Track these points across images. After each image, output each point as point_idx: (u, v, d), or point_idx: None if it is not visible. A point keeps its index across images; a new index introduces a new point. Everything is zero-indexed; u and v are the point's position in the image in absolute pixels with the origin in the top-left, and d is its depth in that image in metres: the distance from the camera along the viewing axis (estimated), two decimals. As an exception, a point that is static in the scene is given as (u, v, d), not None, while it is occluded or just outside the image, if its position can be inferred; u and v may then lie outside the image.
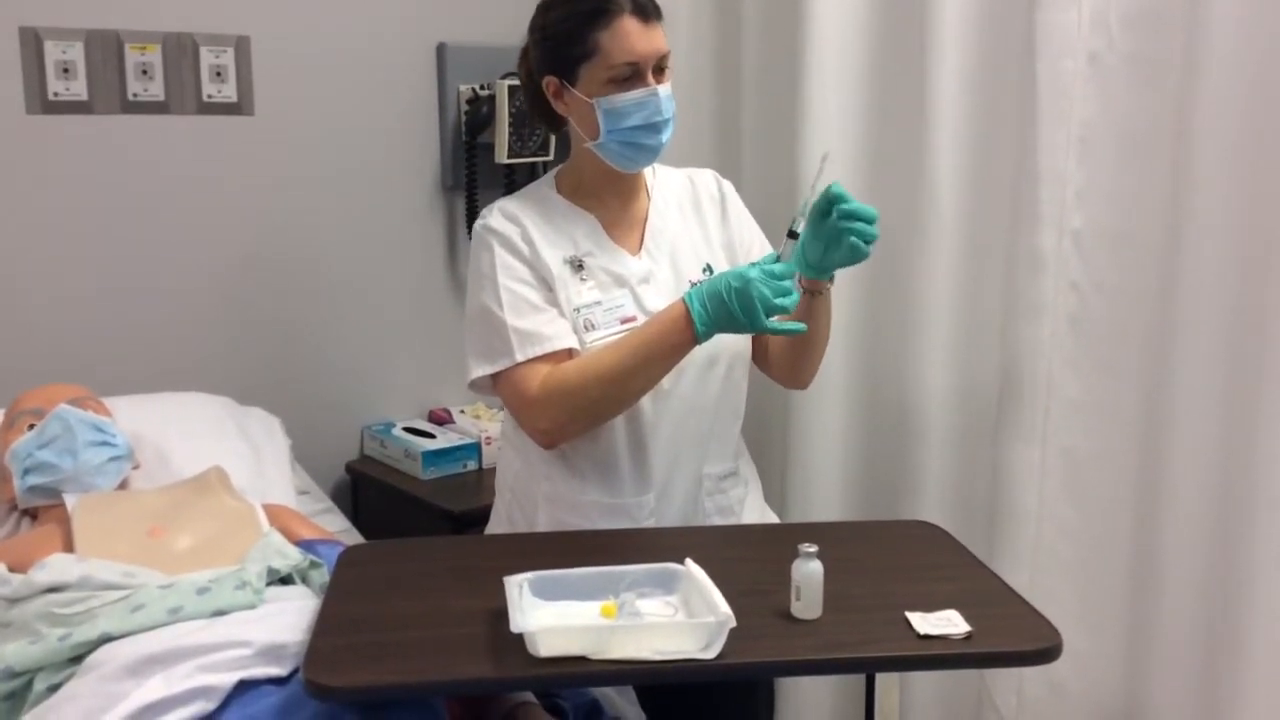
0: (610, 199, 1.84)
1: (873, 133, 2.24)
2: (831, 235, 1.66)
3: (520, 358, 1.73)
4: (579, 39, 1.70)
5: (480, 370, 1.77)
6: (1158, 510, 1.80)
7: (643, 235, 1.85)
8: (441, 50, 2.83)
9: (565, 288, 1.78)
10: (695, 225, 1.89)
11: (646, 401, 1.78)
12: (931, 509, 2.14)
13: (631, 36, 1.69)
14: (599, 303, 1.78)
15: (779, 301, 1.61)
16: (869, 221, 1.65)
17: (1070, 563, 1.97)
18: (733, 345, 1.83)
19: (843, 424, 2.33)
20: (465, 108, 2.83)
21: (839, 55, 2.23)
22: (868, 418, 2.32)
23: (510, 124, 2.78)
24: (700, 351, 1.75)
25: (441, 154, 2.88)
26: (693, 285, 1.77)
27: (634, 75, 1.71)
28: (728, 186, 1.95)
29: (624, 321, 1.77)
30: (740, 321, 1.63)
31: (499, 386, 1.77)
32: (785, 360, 1.88)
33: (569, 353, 1.75)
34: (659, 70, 1.73)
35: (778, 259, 1.65)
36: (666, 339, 1.68)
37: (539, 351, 1.73)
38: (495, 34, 2.87)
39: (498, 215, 1.81)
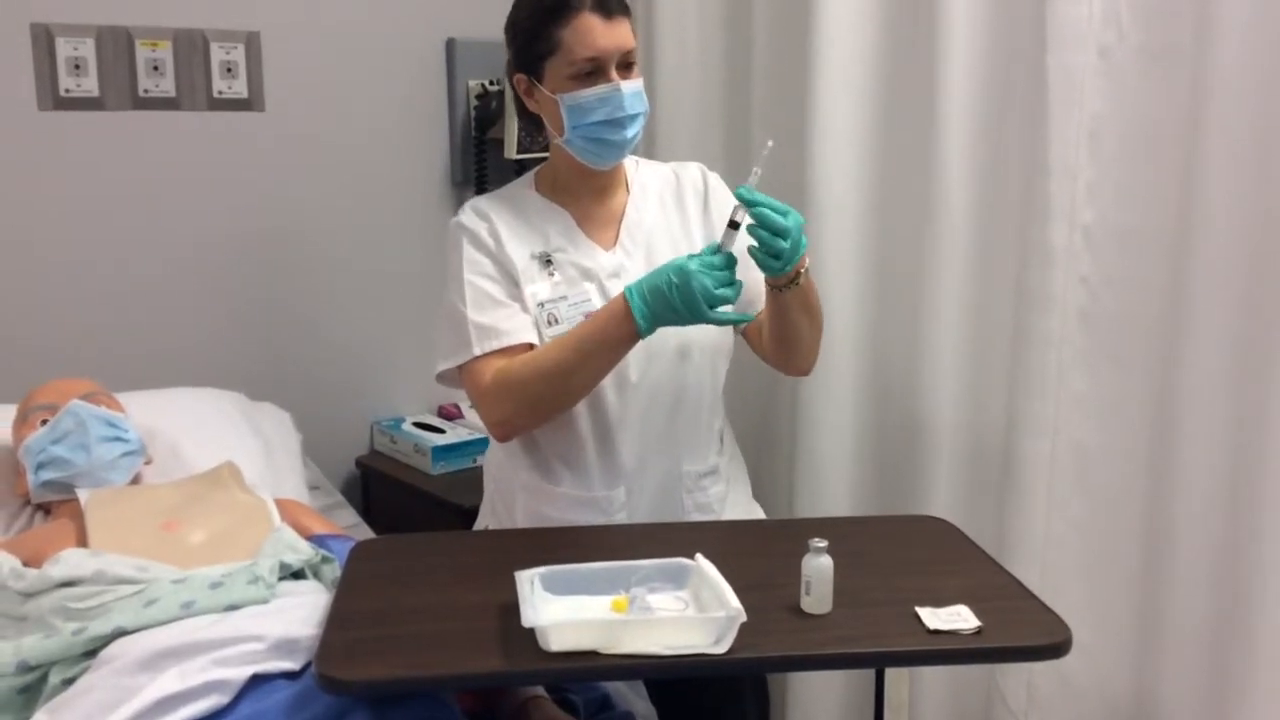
0: (586, 194, 1.85)
1: (883, 127, 2.24)
2: (752, 229, 1.62)
3: (478, 351, 1.75)
4: (542, 35, 1.72)
5: (443, 364, 1.81)
6: (1168, 504, 1.80)
7: (619, 230, 1.85)
8: (451, 46, 2.84)
9: (531, 282, 1.79)
10: (676, 218, 1.88)
11: (611, 393, 1.79)
12: (941, 503, 2.14)
13: (592, 32, 1.69)
14: (564, 297, 1.79)
15: (719, 292, 1.60)
16: (777, 232, 1.59)
17: (1080, 557, 1.97)
18: (707, 337, 1.82)
19: (852, 418, 2.32)
20: (474, 103, 2.84)
21: (849, 50, 2.22)
22: (877, 412, 2.31)
23: (519, 119, 2.78)
24: (670, 343, 1.77)
25: (451, 149, 2.89)
26: None
27: (596, 71, 1.71)
28: (714, 179, 1.93)
29: (588, 316, 1.75)
30: (681, 314, 1.62)
31: (462, 380, 1.80)
32: (773, 348, 1.85)
33: (528, 347, 1.75)
34: (625, 66, 1.73)
35: (719, 249, 1.63)
36: (608, 333, 1.68)
37: (496, 345, 1.75)
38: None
39: (469, 212, 1.84)
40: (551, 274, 1.80)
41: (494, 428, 1.79)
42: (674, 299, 1.61)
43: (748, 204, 1.60)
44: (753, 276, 1.68)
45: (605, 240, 1.85)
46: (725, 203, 1.89)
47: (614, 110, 1.72)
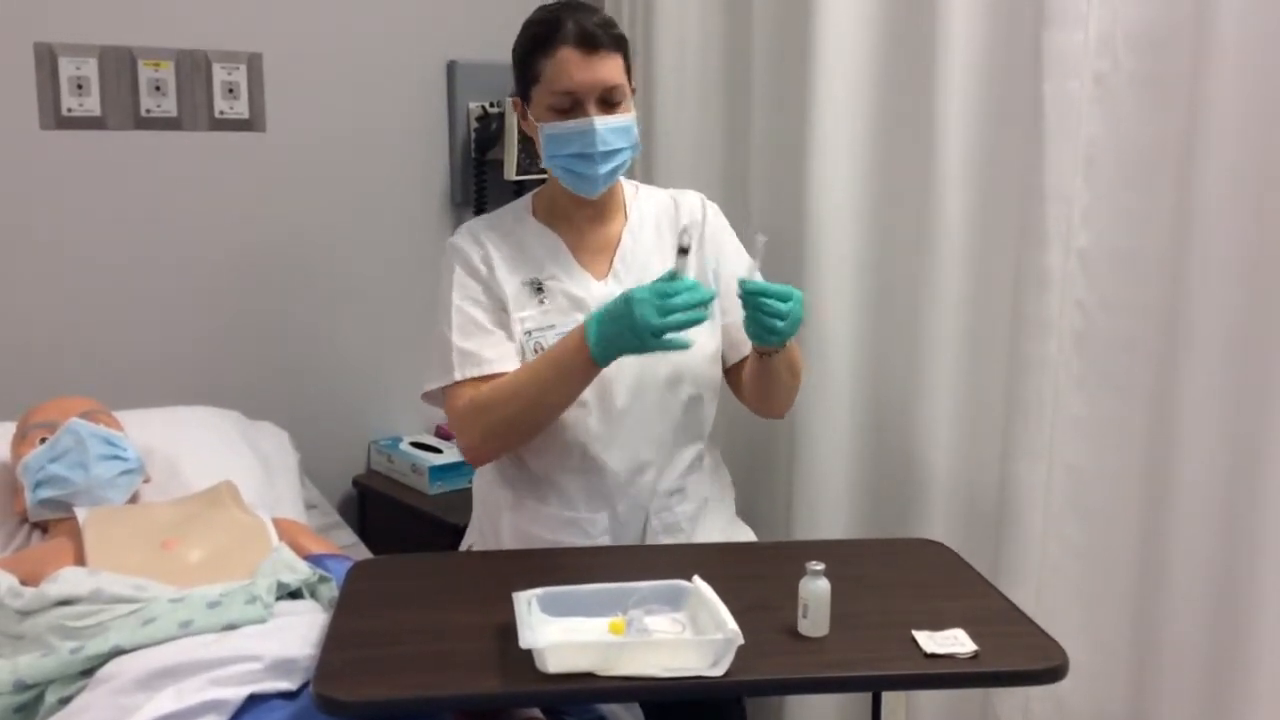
0: (581, 220, 1.85)
1: (880, 151, 2.25)
2: (749, 311, 1.65)
3: (458, 376, 1.78)
4: (529, 64, 1.75)
5: (428, 384, 1.83)
6: (1164, 527, 1.80)
7: (613, 258, 1.85)
8: (451, 68, 2.85)
9: (520, 309, 1.80)
10: (669, 249, 1.87)
11: (596, 420, 1.79)
12: (937, 527, 2.14)
13: (569, 66, 1.70)
14: (552, 326, 1.79)
15: (661, 321, 1.59)
16: (784, 299, 1.63)
17: (1076, 580, 1.97)
18: (698, 370, 1.83)
19: (849, 441, 2.33)
20: (474, 125, 2.85)
21: (847, 74, 2.24)
22: (874, 435, 2.32)
23: (519, 141, 2.80)
24: (660, 371, 1.79)
25: (451, 171, 2.90)
26: None
27: (574, 105, 1.72)
28: (713, 210, 1.94)
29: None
30: (629, 341, 1.62)
31: (444, 402, 1.83)
32: (752, 397, 1.89)
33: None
34: (607, 102, 1.73)
35: (674, 276, 1.63)
36: (566, 362, 1.69)
37: (476, 373, 1.77)
38: (505, 52, 2.83)
39: (464, 235, 1.86)
40: (542, 301, 1.81)
41: (465, 452, 1.82)
42: (622, 326, 1.62)
43: (749, 293, 1.63)
44: (736, 336, 1.74)
45: (599, 268, 1.85)
46: (720, 233, 1.92)
47: (586, 145, 1.73)
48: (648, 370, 1.78)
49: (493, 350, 1.78)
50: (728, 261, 1.89)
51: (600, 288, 1.83)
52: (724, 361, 1.91)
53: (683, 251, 1.66)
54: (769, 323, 1.64)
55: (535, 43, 1.74)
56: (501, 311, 1.80)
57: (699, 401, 1.87)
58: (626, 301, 1.62)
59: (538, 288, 1.82)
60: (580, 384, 1.72)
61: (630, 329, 1.61)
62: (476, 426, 1.77)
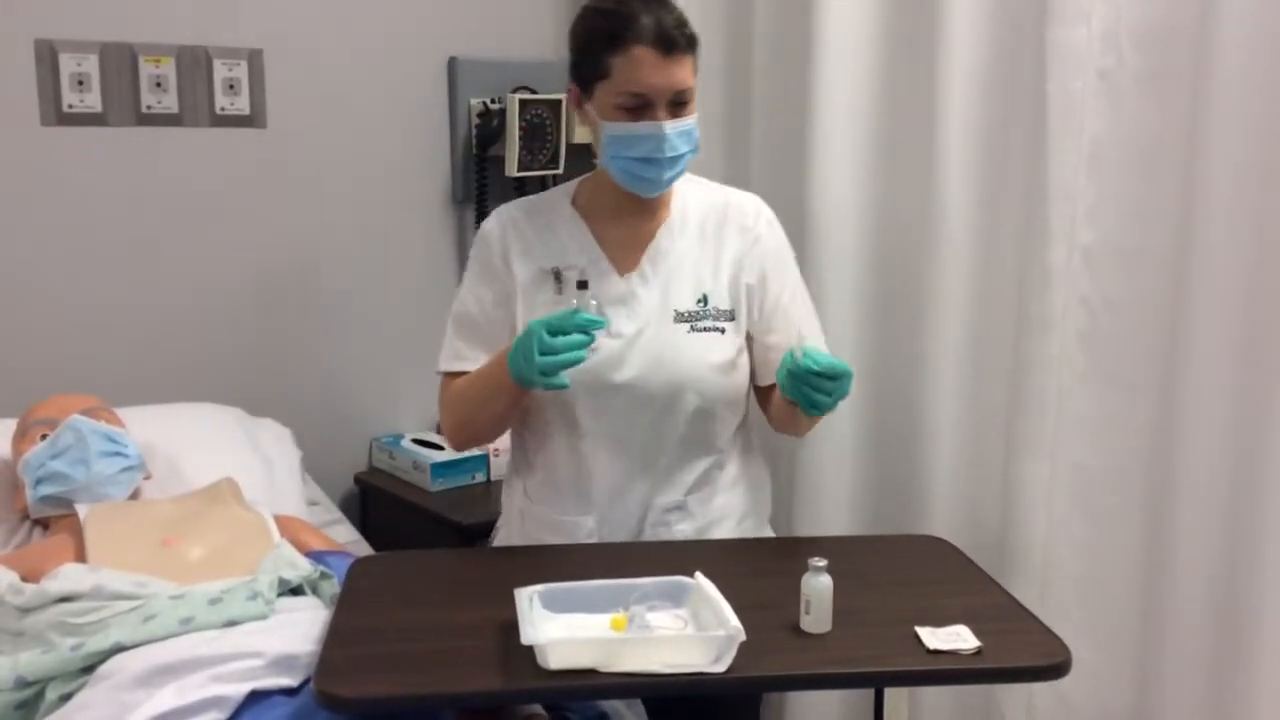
0: (622, 213, 1.79)
1: (882, 149, 2.25)
2: (795, 384, 1.60)
3: (442, 367, 1.83)
4: (596, 57, 1.67)
5: (437, 365, 1.86)
6: (1167, 525, 1.80)
7: (643, 255, 1.79)
8: (453, 64, 2.85)
9: (530, 299, 1.76)
10: (710, 251, 1.80)
11: (589, 425, 1.75)
12: (941, 524, 2.14)
13: (645, 67, 1.63)
14: None
15: (544, 360, 1.55)
16: (834, 377, 1.57)
17: (1080, 578, 1.97)
18: (704, 381, 1.75)
19: (852, 438, 2.33)
20: (476, 121, 2.85)
21: (849, 71, 2.24)
22: (877, 432, 2.32)
23: (520, 137, 2.80)
24: (657, 382, 1.73)
25: (452, 167, 2.89)
26: (677, 315, 1.76)
27: (643, 106, 1.65)
28: (765, 223, 1.84)
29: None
30: (525, 371, 1.59)
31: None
32: (775, 419, 1.84)
33: None
34: (677, 104, 1.66)
35: (577, 311, 1.58)
36: (495, 376, 1.69)
37: (458, 367, 1.80)
38: (506, 48, 2.90)
39: (494, 218, 1.84)
40: (559, 292, 1.76)
41: (444, 437, 1.89)
42: (518, 356, 1.60)
43: (812, 373, 1.56)
44: (770, 357, 1.74)
45: (626, 264, 1.78)
46: (774, 252, 1.83)
47: (654, 150, 1.66)
48: (643, 378, 1.73)
49: (481, 347, 1.78)
50: (777, 281, 1.82)
51: (620, 284, 1.77)
52: (754, 376, 1.84)
53: (581, 285, 1.64)
54: (815, 398, 1.59)
55: (605, 37, 1.64)
56: (504, 306, 1.79)
57: (708, 415, 1.78)
58: (525, 332, 1.60)
59: (557, 277, 1.77)
60: (507, 399, 1.70)
61: (525, 359, 1.59)
62: (446, 418, 1.83)
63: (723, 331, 1.78)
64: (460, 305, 1.82)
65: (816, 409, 1.63)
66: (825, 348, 1.76)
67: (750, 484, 1.89)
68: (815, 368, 1.57)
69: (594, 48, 1.67)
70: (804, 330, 1.72)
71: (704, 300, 1.78)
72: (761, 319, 1.81)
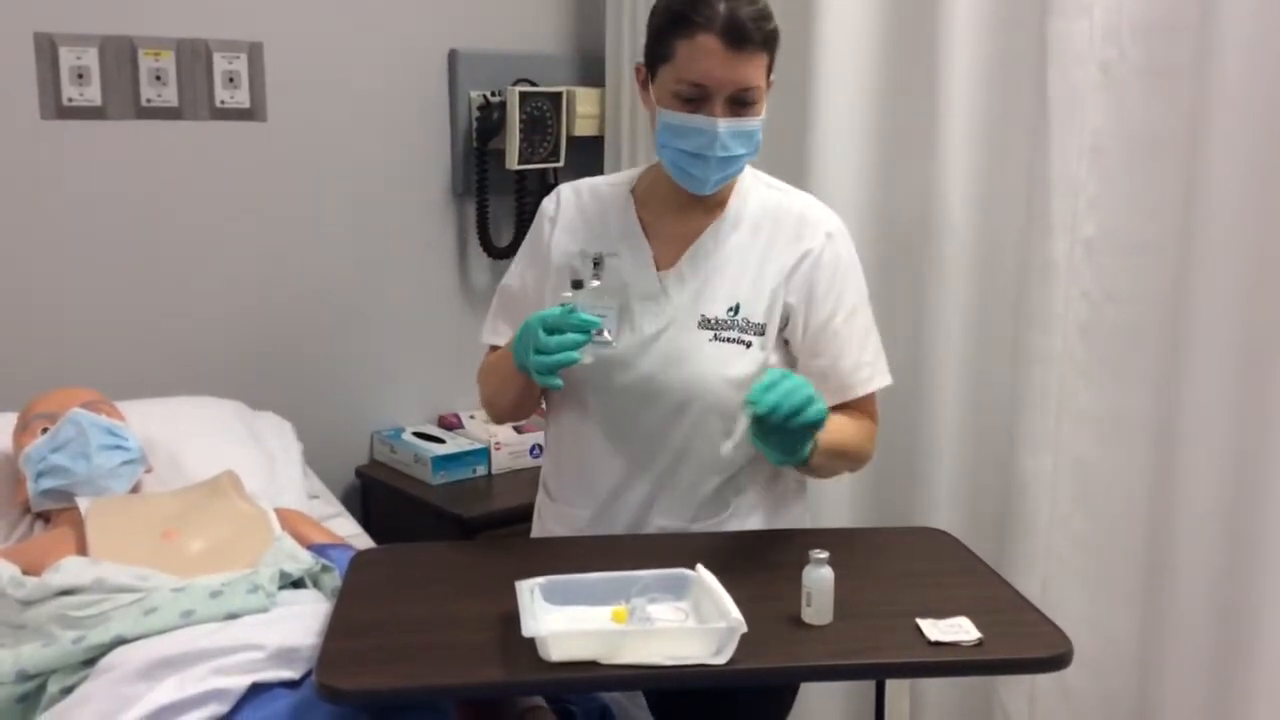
0: (677, 207, 1.70)
1: (884, 141, 2.25)
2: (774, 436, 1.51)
3: (484, 339, 1.85)
4: (662, 38, 1.57)
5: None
6: (1169, 519, 1.80)
7: (685, 252, 1.70)
8: (453, 57, 2.85)
9: (563, 280, 1.71)
10: (755, 259, 1.69)
11: (598, 421, 1.72)
12: (943, 517, 2.14)
13: (709, 57, 1.53)
14: (595, 305, 1.71)
15: (538, 360, 1.53)
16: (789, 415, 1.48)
17: (1082, 571, 1.97)
18: (715, 395, 1.66)
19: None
20: (476, 114, 2.85)
21: (850, 63, 2.23)
22: (879, 425, 2.31)
23: (521, 130, 2.80)
24: (664, 390, 1.67)
25: (452, 160, 2.89)
26: (703, 321, 1.68)
27: (701, 98, 1.55)
28: (828, 234, 1.70)
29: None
30: (525, 364, 1.57)
31: None
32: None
33: None
34: (738, 103, 1.56)
35: (574, 310, 1.55)
36: (506, 361, 1.68)
37: (493, 341, 1.83)
38: (506, 41, 2.89)
39: (554, 194, 1.80)
40: (597, 277, 1.69)
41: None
42: (519, 347, 1.60)
43: (759, 418, 1.48)
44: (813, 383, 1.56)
45: (667, 259, 1.70)
46: (836, 275, 1.70)
47: (703, 146, 1.57)
48: (651, 378, 1.68)
49: (505, 325, 1.79)
50: (830, 301, 1.70)
51: (654, 281, 1.69)
52: None
53: (576, 285, 1.63)
54: (775, 444, 1.51)
55: (675, 19, 1.55)
56: (544, 283, 1.75)
57: (716, 429, 1.65)
58: (525, 326, 1.59)
59: (598, 261, 1.71)
60: (517, 386, 1.69)
61: (524, 354, 1.58)
62: (480, 391, 1.83)
63: (748, 345, 1.67)
64: (507, 278, 1.82)
65: (791, 457, 1.54)
66: (863, 378, 1.71)
67: (768, 512, 1.78)
68: (759, 411, 1.47)
69: (664, 28, 1.57)
70: (841, 358, 1.68)
71: (735, 309, 1.68)
72: (806, 339, 1.70)
